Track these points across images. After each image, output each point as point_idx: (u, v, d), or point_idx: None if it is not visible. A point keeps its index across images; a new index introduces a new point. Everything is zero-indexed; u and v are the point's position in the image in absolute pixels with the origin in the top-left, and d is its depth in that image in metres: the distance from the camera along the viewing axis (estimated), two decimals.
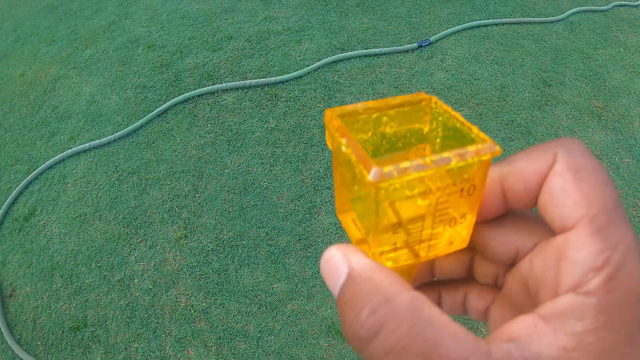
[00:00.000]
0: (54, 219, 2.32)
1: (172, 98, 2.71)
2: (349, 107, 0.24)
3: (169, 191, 2.24)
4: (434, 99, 0.25)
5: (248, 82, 2.73)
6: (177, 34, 3.33)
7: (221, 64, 2.96)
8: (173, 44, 3.23)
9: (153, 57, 3.12)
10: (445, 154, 0.21)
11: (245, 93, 2.74)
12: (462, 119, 0.24)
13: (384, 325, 0.18)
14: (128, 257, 2.04)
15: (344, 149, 0.22)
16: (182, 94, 2.72)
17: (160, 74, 2.94)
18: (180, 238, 2.03)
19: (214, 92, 2.76)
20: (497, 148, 0.22)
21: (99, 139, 2.61)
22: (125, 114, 2.70)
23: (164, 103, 2.67)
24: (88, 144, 2.57)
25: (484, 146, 0.22)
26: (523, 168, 0.23)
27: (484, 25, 3.22)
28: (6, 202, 2.49)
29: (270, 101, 2.68)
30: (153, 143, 2.48)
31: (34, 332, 1.98)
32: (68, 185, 2.44)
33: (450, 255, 0.28)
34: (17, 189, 2.52)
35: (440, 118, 0.25)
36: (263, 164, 2.36)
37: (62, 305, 2.02)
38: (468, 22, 3.23)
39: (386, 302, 0.19)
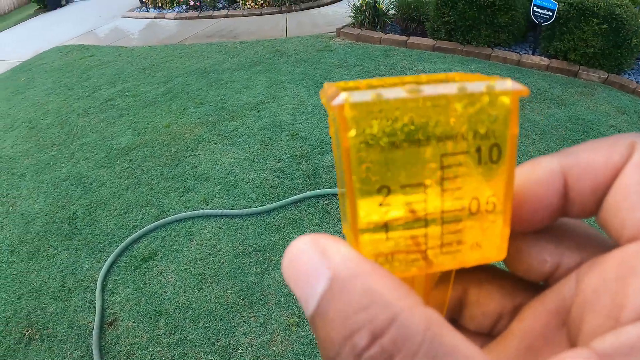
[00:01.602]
0: (172, 269, 2.93)
1: (308, 190, 3.37)
2: (358, 84, 0.22)
3: None
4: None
5: None
6: (320, 129, 4.14)
7: None
8: (315, 137, 4.02)
9: (295, 146, 3.91)
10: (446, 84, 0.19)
11: None
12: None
13: (393, 357, 0.16)
14: (237, 328, 2.53)
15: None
16: (319, 188, 3.38)
17: (300, 164, 3.68)
18: (292, 324, 2.51)
19: None
20: (523, 87, 0.20)
21: (231, 208, 3.29)
22: (260, 193, 3.40)
23: (300, 193, 3.34)
24: (221, 210, 3.25)
25: (502, 82, 0.20)
26: (592, 159, 0.21)
27: None
28: (129, 238, 3.18)
29: None
30: (283, 228, 3.09)
31: None
32: (193, 242, 3.09)
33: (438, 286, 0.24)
34: (143, 230, 3.22)
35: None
36: None
37: (160, 350, 2.53)
38: None
39: (394, 322, 0.16)
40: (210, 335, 2.53)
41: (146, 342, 2.57)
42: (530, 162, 0.23)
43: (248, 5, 7.94)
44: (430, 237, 0.22)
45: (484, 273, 0.26)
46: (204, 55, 6.20)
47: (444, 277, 0.24)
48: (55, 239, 3.41)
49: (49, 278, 3.12)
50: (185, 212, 3.33)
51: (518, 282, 0.25)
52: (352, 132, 0.19)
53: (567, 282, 0.22)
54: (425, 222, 0.21)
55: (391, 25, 6.07)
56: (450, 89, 0.20)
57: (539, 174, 0.22)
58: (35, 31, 9.76)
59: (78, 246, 3.29)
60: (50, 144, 4.62)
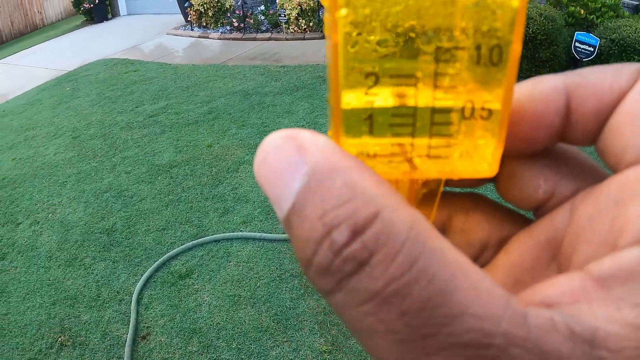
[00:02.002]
0: (207, 289, 3.09)
1: None
2: None
3: (325, 305, 2.89)
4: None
5: None
6: None
7: None
8: None
9: None
10: None
11: None
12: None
13: (374, 254, 0.16)
14: (269, 351, 2.65)
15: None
16: None
17: None
18: (325, 352, 2.62)
19: None
20: None
21: (270, 232, 3.45)
22: None
23: None
24: (260, 234, 3.42)
25: None
26: (598, 81, 0.21)
27: None
28: (167, 254, 3.36)
29: None
30: None
31: None
32: (230, 263, 3.25)
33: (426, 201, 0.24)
34: (181, 247, 3.40)
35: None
36: None
37: None
38: None
39: (376, 218, 0.16)
40: (243, 357, 2.66)
41: (178, 359, 2.71)
42: (533, 79, 0.23)
43: (291, 30, 8.28)
44: (417, 145, 0.22)
45: (471, 199, 0.26)
46: (247, 77, 6.49)
47: (427, 197, 0.25)
48: (93, 248, 3.62)
49: (84, 287, 3.31)
50: (224, 232, 3.50)
51: (507, 213, 0.26)
52: (343, 11, 0.19)
53: (560, 212, 0.22)
54: (414, 118, 0.21)
55: None
56: None
57: (541, 90, 0.22)
58: (81, 42, 10.33)
59: (115, 258, 3.48)
60: (93, 154, 4.90)
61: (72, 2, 13.64)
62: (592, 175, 0.23)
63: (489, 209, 0.26)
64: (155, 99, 6.04)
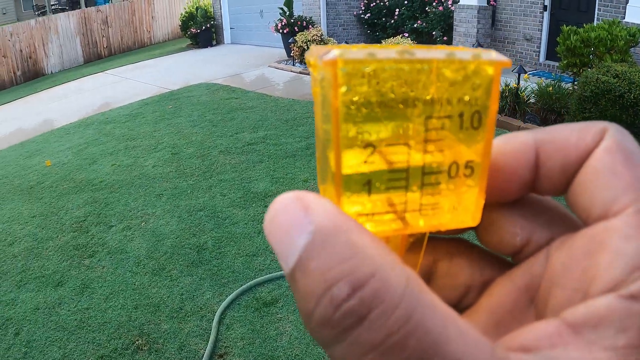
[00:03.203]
0: (291, 319, 3.30)
1: None
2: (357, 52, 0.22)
3: None
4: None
5: None
6: None
7: None
8: None
9: None
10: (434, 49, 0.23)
11: None
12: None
13: (372, 309, 0.18)
14: None
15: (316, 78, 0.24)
16: None
17: None
18: None
19: None
20: (506, 59, 0.24)
21: None
22: None
23: None
24: None
25: (488, 53, 0.24)
26: (564, 138, 0.25)
27: None
28: (255, 280, 3.63)
29: None
30: None
31: None
32: None
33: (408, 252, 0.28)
34: (270, 275, 3.67)
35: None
36: None
37: None
38: None
39: (375, 275, 0.19)
40: None
41: None
42: (505, 135, 0.27)
43: None
44: (409, 202, 0.25)
45: (454, 245, 0.30)
46: None
47: (415, 244, 0.28)
48: (181, 262, 3.96)
49: (168, 297, 3.62)
50: None
51: (488, 257, 0.29)
52: (343, 89, 0.22)
53: (537, 259, 0.26)
54: (407, 179, 0.24)
55: (530, 114, 6.35)
56: (439, 54, 0.23)
57: (513, 145, 0.26)
58: (185, 64, 11.29)
59: (202, 275, 3.79)
60: (190, 173, 5.37)
61: (179, 25, 14.94)
62: (565, 222, 0.27)
63: (471, 254, 0.29)
64: (254, 128, 6.52)
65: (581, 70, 6.32)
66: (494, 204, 0.27)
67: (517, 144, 0.26)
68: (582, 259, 0.22)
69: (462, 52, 0.23)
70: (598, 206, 0.23)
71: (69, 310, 3.61)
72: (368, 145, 0.23)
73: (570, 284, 0.22)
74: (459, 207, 0.26)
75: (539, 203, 0.28)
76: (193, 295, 3.61)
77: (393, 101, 0.23)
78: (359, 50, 0.22)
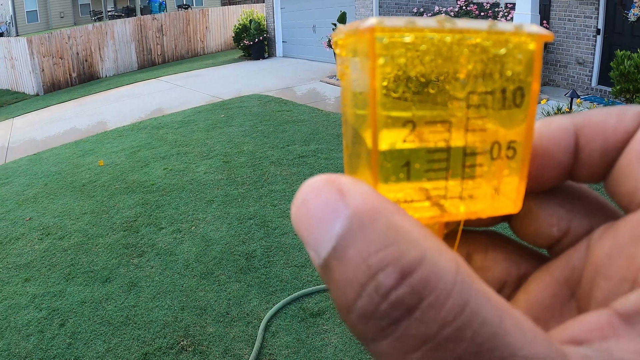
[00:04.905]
0: (337, 332, 3.37)
1: None
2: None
3: None
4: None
5: None
6: None
7: None
8: None
9: None
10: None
11: None
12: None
13: (424, 298, 0.17)
14: None
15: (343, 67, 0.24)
16: None
17: None
18: None
19: None
20: (549, 33, 0.23)
21: None
22: None
23: None
24: None
25: (530, 26, 0.23)
26: (604, 121, 0.24)
27: None
28: (303, 290, 3.71)
29: None
30: None
31: None
32: None
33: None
34: (318, 287, 3.75)
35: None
36: None
37: None
38: None
39: (424, 260, 0.17)
40: None
41: None
42: (543, 119, 0.26)
43: None
44: (450, 187, 0.24)
45: (489, 238, 0.29)
46: None
47: (448, 236, 0.28)
48: (230, 268, 4.08)
49: (215, 301, 3.74)
50: None
51: (524, 250, 0.29)
52: (381, 60, 0.21)
53: (577, 250, 0.25)
54: (447, 163, 0.24)
55: None
56: (481, 24, 0.22)
57: (551, 130, 0.25)
58: (237, 75, 11.61)
59: (250, 282, 3.90)
60: (241, 181, 5.52)
61: (232, 37, 15.34)
62: (604, 211, 0.26)
63: (506, 247, 0.29)
64: (305, 141, 6.66)
65: (634, 96, 6.25)
66: (530, 193, 0.26)
67: (555, 127, 0.25)
68: (628, 247, 0.22)
69: (504, 23, 0.23)
70: None
71: (115, 307, 3.76)
72: (407, 122, 0.23)
73: (616, 274, 0.22)
74: (500, 192, 0.25)
75: (577, 191, 0.27)
76: (240, 301, 3.72)
77: (433, 74, 0.22)
78: (398, 19, 0.21)
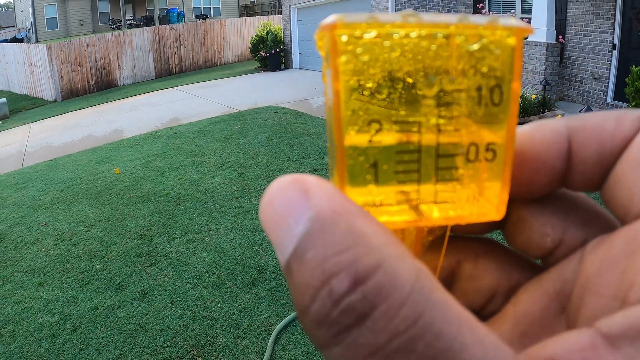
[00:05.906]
0: None
1: None
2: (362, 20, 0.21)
3: None
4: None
5: None
6: None
7: None
8: None
9: None
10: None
11: None
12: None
13: (376, 307, 0.17)
14: None
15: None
16: None
17: None
18: None
19: None
20: (528, 25, 0.22)
21: None
22: None
23: None
24: None
25: (506, 19, 0.21)
26: (600, 125, 0.23)
27: None
28: None
29: None
30: None
31: None
32: None
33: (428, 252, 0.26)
34: None
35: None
36: None
37: None
38: None
39: (379, 267, 0.17)
40: None
41: None
42: (536, 122, 0.25)
43: None
44: (423, 192, 0.23)
45: (480, 245, 0.28)
46: None
47: (435, 243, 0.27)
48: (241, 280, 4.12)
49: (226, 312, 3.78)
50: None
51: (517, 259, 0.27)
52: (344, 58, 0.21)
53: (570, 262, 0.24)
54: (418, 164, 0.23)
55: None
56: (450, 18, 0.21)
57: (543, 133, 0.24)
58: (254, 86, 11.73)
59: (262, 294, 3.94)
60: (256, 193, 5.58)
61: (249, 48, 15.51)
62: (601, 222, 0.25)
63: (499, 255, 0.28)
64: (320, 154, 6.71)
65: None
66: (522, 200, 0.26)
67: (547, 131, 0.24)
68: (619, 262, 0.21)
69: (477, 17, 0.22)
70: (639, 202, 0.21)
71: (127, 314, 3.81)
72: (373, 121, 0.22)
73: (606, 290, 0.21)
74: (481, 198, 0.24)
75: (572, 200, 0.26)
76: (251, 313, 3.75)
77: (400, 72, 0.22)
78: (359, 15, 0.20)
